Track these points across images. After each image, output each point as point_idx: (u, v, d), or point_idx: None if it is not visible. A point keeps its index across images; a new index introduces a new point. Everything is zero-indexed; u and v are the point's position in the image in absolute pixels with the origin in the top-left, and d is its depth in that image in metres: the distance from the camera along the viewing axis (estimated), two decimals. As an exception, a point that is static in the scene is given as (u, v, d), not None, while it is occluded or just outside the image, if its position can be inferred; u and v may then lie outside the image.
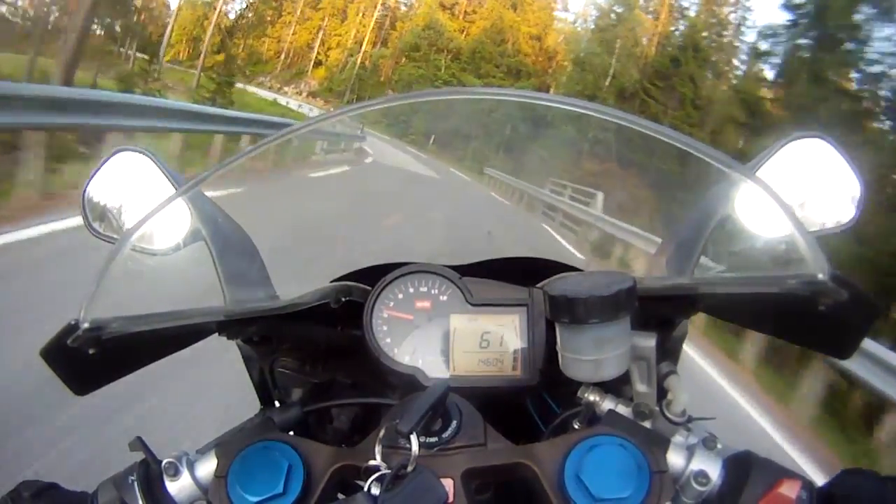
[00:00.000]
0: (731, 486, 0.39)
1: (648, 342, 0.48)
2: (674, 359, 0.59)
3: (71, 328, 0.36)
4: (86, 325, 0.36)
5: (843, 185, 0.62)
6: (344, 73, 49.10)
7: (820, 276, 0.34)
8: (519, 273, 0.65)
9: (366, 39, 50.82)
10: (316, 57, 50.92)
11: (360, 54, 49.96)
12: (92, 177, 0.70)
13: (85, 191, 0.70)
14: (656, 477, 0.40)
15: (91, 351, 0.37)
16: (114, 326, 0.37)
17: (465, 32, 49.20)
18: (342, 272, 0.69)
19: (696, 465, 0.41)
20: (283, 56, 51.48)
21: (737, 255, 0.63)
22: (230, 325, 0.52)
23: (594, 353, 0.44)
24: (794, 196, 0.60)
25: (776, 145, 0.64)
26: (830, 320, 0.36)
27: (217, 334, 0.51)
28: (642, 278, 0.51)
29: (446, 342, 0.62)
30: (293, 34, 52.52)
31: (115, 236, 0.68)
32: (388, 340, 0.62)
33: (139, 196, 0.70)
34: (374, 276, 0.65)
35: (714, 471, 0.40)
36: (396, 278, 0.64)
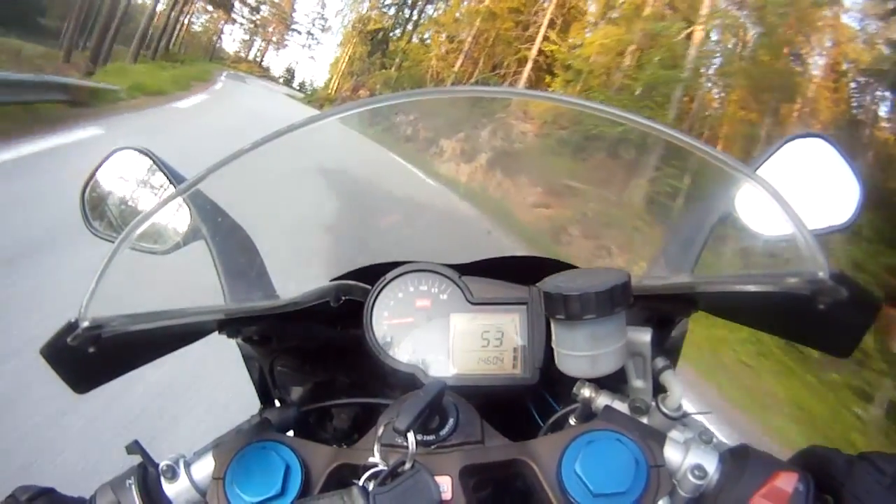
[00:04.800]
0: (727, 480, 0.39)
1: (644, 337, 0.48)
2: (674, 357, 0.59)
3: (71, 327, 0.36)
4: (85, 324, 0.36)
5: (842, 184, 0.62)
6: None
7: (820, 274, 0.34)
8: (519, 272, 0.65)
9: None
10: (538, 58, 18.82)
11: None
12: (91, 176, 0.70)
13: (84, 190, 0.70)
14: (654, 471, 0.40)
15: (91, 349, 0.37)
16: (113, 325, 0.37)
17: None
18: (342, 271, 0.69)
19: (692, 459, 0.41)
20: (458, 63, 21.41)
21: (737, 254, 0.63)
22: (230, 324, 0.52)
23: (590, 349, 0.44)
24: (794, 195, 0.60)
25: (776, 144, 0.65)
26: (830, 318, 0.36)
27: (217, 333, 0.51)
28: (642, 277, 0.51)
29: (446, 341, 0.62)
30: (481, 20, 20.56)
31: (114, 235, 0.68)
32: (389, 339, 0.62)
33: (139, 195, 0.70)
34: (374, 274, 0.65)
35: (711, 464, 0.41)
36: (396, 277, 0.64)
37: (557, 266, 0.68)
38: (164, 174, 0.67)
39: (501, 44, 21.12)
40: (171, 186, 0.66)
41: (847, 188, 0.62)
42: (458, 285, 0.64)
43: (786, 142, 0.65)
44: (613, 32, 14.60)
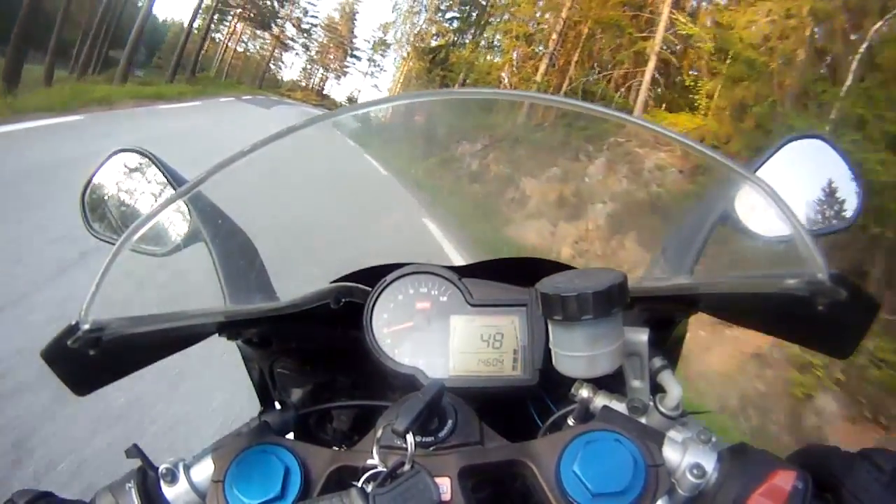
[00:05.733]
0: (726, 478, 0.39)
1: (641, 337, 0.48)
2: (674, 358, 0.59)
3: (71, 329, 0.36)
4: (86, 327, 0.36)
5: (842, 185, 0.62)
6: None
7: (819, 275, 0.34)
8: (519, 273, 0.65)
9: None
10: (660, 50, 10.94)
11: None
12: (91, 177, 0.70)
13: (84, 191, 0.69)
14: (652, 471, 0.40)
15: (91, 352, 0.37)
16: (114, 327, 0.37)
17: None
18: (342, 273, 0.69)
19: (691, 458, 0.41)
20: (540, 70, 15.13)
21: (737, 255, 0.63)
22: (230, 326, 0.52)
23: (587, 350, 0.44)
24: (794, 196, 0.60)
25: (776, 145, 0.65)
26: (830, 320, 0.36)
27: (217, 335, 0.51)
28: (642, 278, 0.51)
29: (446, 342, 0.62)
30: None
31: (114, 237, 0.68)
32: (389, 341, 0.62)
33: (139, 196, 0.70)
34: (374, 276, 0.65)
35: (709, 463, 0.41)
36: (396, 279, 0.64)
37: (557, 267, 0.68)
38: (165, 175, 0.67)
39: (605, 32, 13.51)
40: (172, 188, 0.66)
41: (847, 189, 0.62)
42: (458, 287, 0.64)
43: (785, 142, 0.65)
44: (780, 6, 8.01)
